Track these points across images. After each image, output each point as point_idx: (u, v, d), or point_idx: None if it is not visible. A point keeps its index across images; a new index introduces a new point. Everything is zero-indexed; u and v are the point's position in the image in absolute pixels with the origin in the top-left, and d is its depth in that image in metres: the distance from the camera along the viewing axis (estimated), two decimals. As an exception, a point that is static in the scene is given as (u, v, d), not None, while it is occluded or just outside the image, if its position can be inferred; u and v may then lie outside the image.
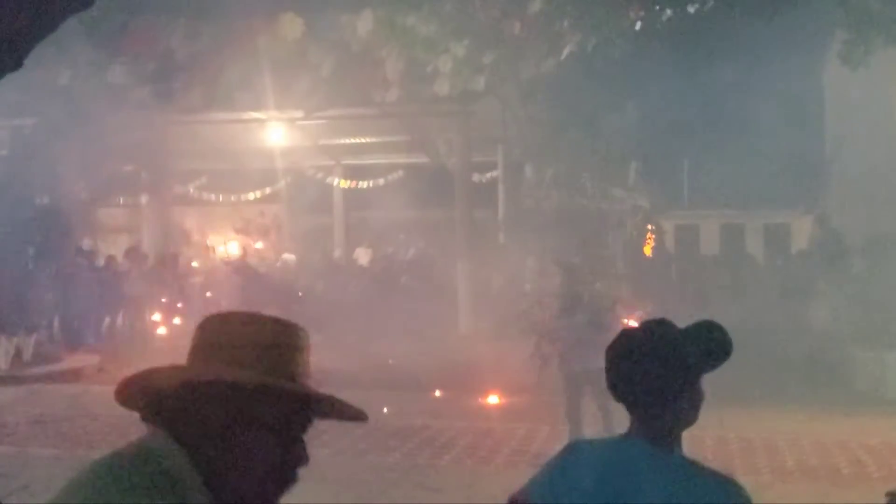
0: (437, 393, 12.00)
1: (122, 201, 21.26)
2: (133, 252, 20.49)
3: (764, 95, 20.14)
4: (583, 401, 8.67)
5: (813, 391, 12.33)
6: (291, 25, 10.87)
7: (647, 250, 19.05)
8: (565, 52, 11.58)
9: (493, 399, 11.25)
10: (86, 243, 18.73)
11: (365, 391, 11.35)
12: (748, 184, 24.22)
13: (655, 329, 2.40)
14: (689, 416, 2.37)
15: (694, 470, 2.33)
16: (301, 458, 1.67)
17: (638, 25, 11.75)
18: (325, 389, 1.70)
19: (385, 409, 11.44)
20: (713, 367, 2.37)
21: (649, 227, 19.14)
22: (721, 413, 8.85)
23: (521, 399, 11.53)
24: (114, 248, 21.20)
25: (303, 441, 1.69)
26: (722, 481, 2.31)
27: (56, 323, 18.02)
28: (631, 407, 2.39)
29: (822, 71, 19.23)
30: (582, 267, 9.46)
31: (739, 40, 17.88)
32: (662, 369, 2.31)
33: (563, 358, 8.86)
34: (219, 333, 1.68)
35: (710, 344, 2.36)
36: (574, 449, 2.56)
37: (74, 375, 14.53)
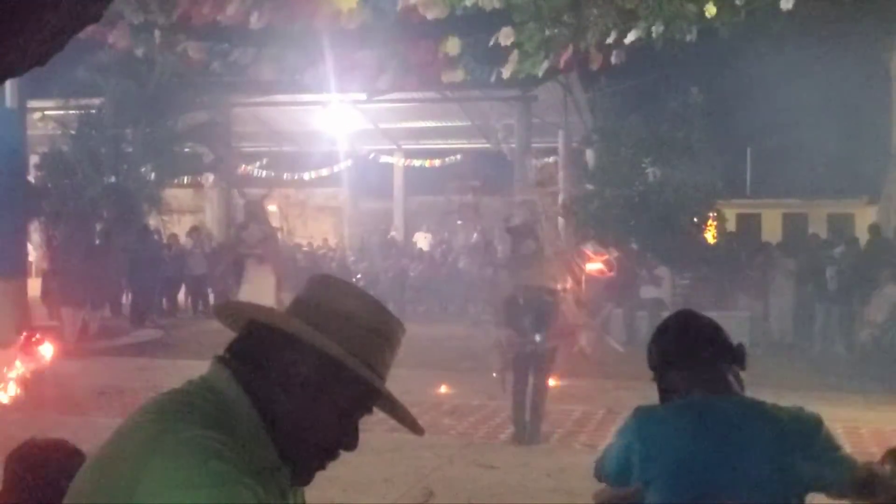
0: (494, 374, 12.04)
1: (186, 181, 21.59)
2: (195, 231, 20.86)
3: (828, 84, 19.80)
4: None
5: (872, 380, 12.20)
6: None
7: (711, 238, 18.86)
8: (630, 37, 11.45)
9: (549, 381, 11.25)
10: (151, 222, 19.07)
11: (422, 370, 11.54)
12: (812, 173, 23.87)
13: (700, 320, 2.84)
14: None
15: (772, 406, 2.67)
16: (352, 442, 1.67)
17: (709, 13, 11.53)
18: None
19: (442, 388, 11.57)
20: None
21: (711, 214, 18.93)
22: (779, 400, 8.78)
23: (576, 382, 11.56)
24: (178, 227, 21.61)
25: (357, 426, 1.67)
26: (804, 411, 2.68)
27: (122, 298, 18.45)
28: (706, 364, 2.72)
29: (890, 60, 18.84)
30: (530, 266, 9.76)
31: (805, 28, 17.60)
32: (713, 346, 2.74)
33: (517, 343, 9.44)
34: (326, 297, 1.67)
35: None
36: (640, 416, 2.72)
37: (139, 349, 14.88)
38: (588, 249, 13.61)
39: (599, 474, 2.86)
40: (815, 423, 2.61)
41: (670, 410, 2.69)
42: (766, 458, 2.52)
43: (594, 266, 12.43)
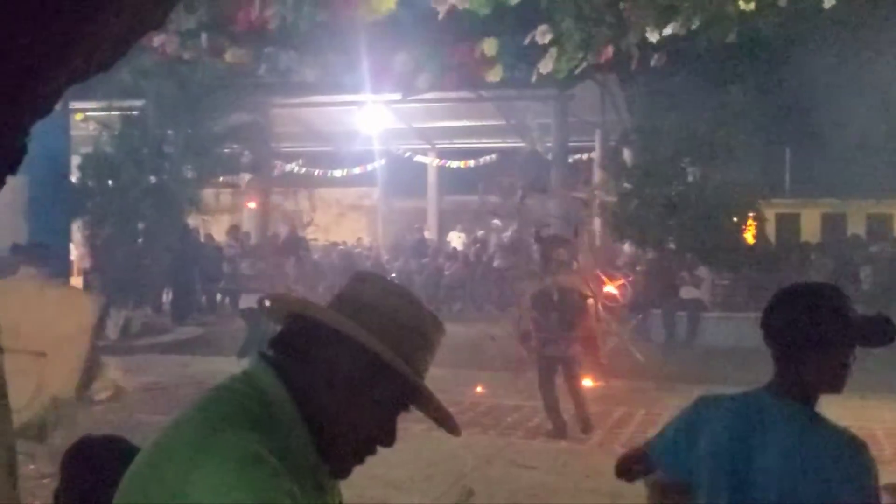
0: (531, 374, 12.07)
1: (224, 181, 21.79)
2: (234, 231, 21.04)
3: (869, 83, 19.59)
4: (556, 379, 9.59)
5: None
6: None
7: (751, 238, 18.74)
8: (667, 30, 11.35)
9: (586, 382, 11.26)
10: (191, 221, 19.28)
11: (459, 370, 11.57)
12: (851, 173, 23.64)
13: (826, 291, 2.48)
14: (828, 380, 2.41)
15: (822, 422, 2.40)
16: (389, 437, 1.68)
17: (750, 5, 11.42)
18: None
19: (479, 388, 11.60)
20: (869, 345, 2.43)
21: (751, 214, 18.79)
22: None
23: (615, 383, 11.55)
24: (216, 227, 21.79)
25: (395, 422, 1.69)
26: (849, 436, 2.39)
27: (164, 296, 18.66)
28: (779, 355, 2.45)
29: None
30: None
31: (847, 27, 17.43)
32: (819, 325, 2.37)
33: (539, 344, 9.67)
34: (368, 294, 1.69)
35: (879, 332, 2.41)
36: (700, 404, 2.62)
37: (181, 346, 15.07)
38: (604, 274, 13.72)
39: (652, 459, 2.68)
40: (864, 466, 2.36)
41: (725, 408, 2.52)
42: (810, 482, 2.34)
43: (608, 289, 12.78)
